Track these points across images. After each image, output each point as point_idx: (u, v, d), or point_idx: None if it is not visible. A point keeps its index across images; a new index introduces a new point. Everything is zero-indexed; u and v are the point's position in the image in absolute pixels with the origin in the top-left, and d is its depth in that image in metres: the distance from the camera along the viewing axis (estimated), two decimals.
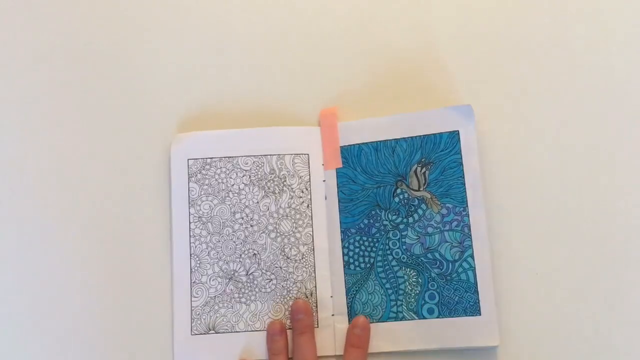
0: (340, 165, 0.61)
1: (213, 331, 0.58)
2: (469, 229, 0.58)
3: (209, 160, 0.61)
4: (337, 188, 0.60)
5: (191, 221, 0.60)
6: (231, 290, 0.59)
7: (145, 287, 0.59)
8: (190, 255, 0.59)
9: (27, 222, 0.61)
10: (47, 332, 0.59)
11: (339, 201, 0.60)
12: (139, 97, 0.63)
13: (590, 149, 0.61)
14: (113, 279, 0.60)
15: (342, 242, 0.59)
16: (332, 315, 0.59)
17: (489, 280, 0.57)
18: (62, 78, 0.63)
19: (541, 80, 0.62)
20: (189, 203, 0.60)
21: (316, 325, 0.58)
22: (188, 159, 0.61)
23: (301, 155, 0.61)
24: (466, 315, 0.57)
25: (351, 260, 0.59)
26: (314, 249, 0.59)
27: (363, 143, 0.61)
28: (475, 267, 0.57)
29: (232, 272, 0.59)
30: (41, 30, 0.64)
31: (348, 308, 0.58)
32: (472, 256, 0.57)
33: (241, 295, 0.59)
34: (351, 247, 0.59)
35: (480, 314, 0.57)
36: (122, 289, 0.59)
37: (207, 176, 0.60)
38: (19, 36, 0.64)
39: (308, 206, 0.60)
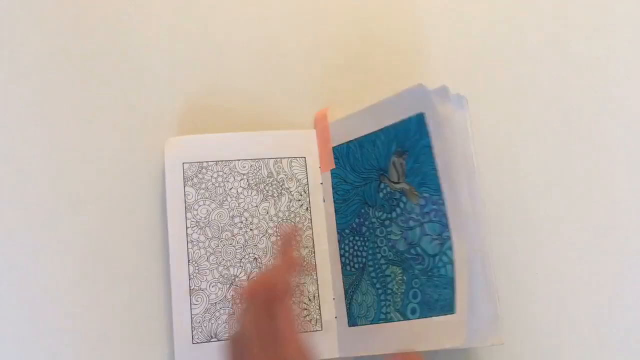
0: (334, 167, 0.60)
1: (215, 339, 0.57)
2: (447, 219, 0.52)
3: (205, 164, 0.59)
4: (333, 189, 0.60)
5: (188, 226, 0.58)
6: (232, 295, 0.58)
7: (143, 295, 0.57)
8: (189, 261, 0.57)
9: (17, 229, 0.58)
10: (43, 344, 0.56)
11: (334, 202, 0.60)
12: (132, 101, 0.61)
13: (590, 148, 0.61)
14: (108, 287, 0.57)
15: (339, 243, 0.59)
16: (335, 317, 0.58)
17: (467, 275, 0.50)
18: (55, 81, 0.61)
19: (538, 76, 0.63)
20: (186, 208, 0.58)
21: (320, 328, 0.58)
22: (183, 163, 0.59)
23: (298, 159, 0.61)
24: (442, 314, 0.51)
25: (347, 262, 0.58)
26: (314, 251, 0.59)
27: (350, 141, 0.59)
28: (454, 260, 0.51)
29: (233, 277, 0.58)
30: (35, 32, 0.62)
31: (347, 310, 0.58)
32: (450, 248, 0.51)
33: None
34: (347, 247, 0.59)
35: (453, 312, 0.50)
36: (117, 297, 0.57)
37: (203, 180, 0.59)
38: (14, 38, 0.62)
39: (307, 209, 0.60)
